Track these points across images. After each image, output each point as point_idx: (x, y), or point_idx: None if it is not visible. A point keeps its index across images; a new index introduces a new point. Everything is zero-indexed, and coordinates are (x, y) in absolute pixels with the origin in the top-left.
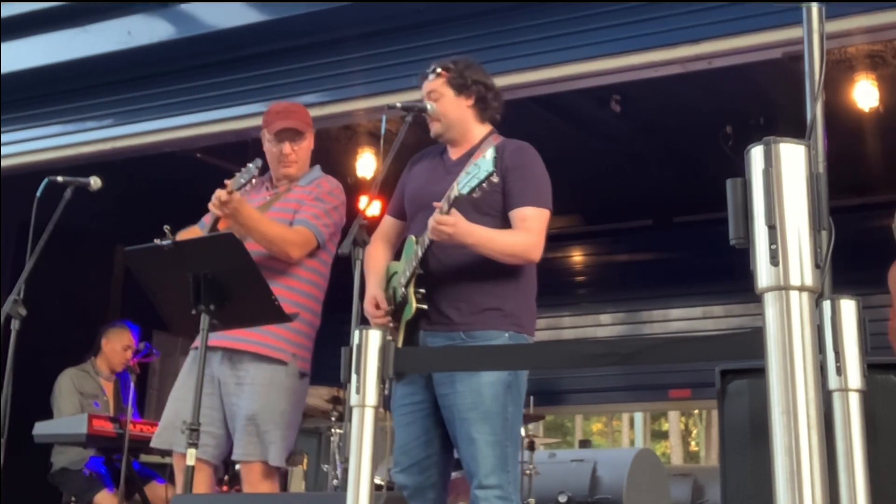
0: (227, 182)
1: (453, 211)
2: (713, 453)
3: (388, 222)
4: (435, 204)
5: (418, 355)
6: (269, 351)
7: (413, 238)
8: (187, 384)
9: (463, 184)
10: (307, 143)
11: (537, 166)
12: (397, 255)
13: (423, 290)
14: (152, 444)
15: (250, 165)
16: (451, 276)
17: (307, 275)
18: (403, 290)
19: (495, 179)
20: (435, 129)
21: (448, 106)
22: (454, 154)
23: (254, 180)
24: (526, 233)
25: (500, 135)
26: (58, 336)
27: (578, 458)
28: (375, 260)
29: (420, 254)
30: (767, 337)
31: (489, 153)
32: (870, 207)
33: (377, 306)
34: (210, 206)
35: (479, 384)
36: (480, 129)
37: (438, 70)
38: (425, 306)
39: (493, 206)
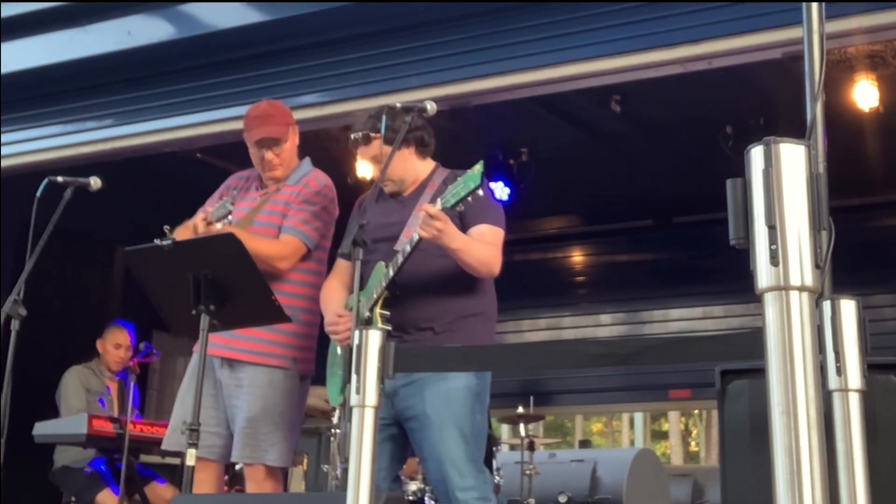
0: (207, 210)
1: (444, 214)
2: (713, 453)
3: (342, 264)
4: (424, 206)
5: (417, 356)
6: (269, 359)
7: (382, 264)
8: (192, 386)
9: (448, 197)
10: (289, 144)
11: (489, 190)
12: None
13: (387, 312)
14: (163, 447)
15: (226, 201)
16: (419, 297)
17: (302, 277)
18: (368, 313)
19: (481, 193)
20: (389, 187)
21: (393, 164)
22: (406, 191)
23: (230, 217)
24: (490, 246)
25: (503, 135)
26: (58, 336)
27: (578, 458)
28: (333, 293)
29: (392, 273)
30: (767, 337)
31: (477, 167)
32: (870, 207)
33: (340, 315)
34: (191, 230)
35: (448, 389)
36: (425, 167)
37: (370, 134)
38: (389, 328)
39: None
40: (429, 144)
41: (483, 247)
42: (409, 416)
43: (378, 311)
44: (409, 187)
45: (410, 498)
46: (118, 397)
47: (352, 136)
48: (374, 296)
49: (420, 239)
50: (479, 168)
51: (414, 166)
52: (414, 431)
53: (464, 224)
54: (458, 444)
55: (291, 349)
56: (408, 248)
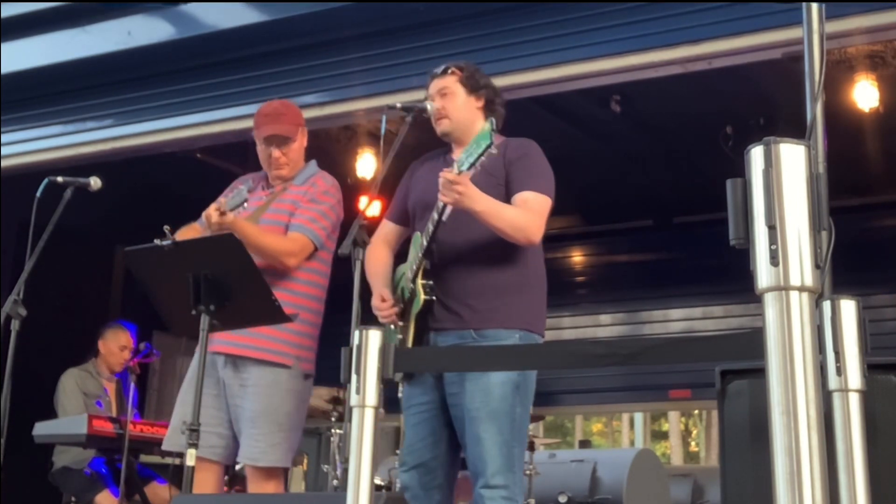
0: (221, 200)
1: (464, 177)
2: (713, 453)
3: (388, 227)
4: (442, 172)
5: (419, 355)
6: (273, 356)
7: (418, 233)
8: (193, 386)
9: (463, 160)
10: (297, 144)
11: (540, 157)
12: (400, 260)
13: (430, 282)
14: (163, 447)
15: (242, 188)
16: (458, 270)
17: (306, 276)
18: (411, 284)
19: (494, 151)
20: (443, 126)
21: (459, 104)
22: (456, 155)
23: (246, 204)
24: (530, 212)
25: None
26: (58, 336)
27: (578, 458)
28: (377, 262)
29: (425, 242)
30: (767, 337)
31: (486, 126)
32: (870, 207)
33: (383, 300)
34: (204, 219)
35: (489, 383)
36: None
37: (451, 69)
38: (434, 297)
39: (497, 197)
40: (496, 110)
41: (516, 211)
42: (451, 402)
43: (420, 281)
44: (461, 148)
45: None
46: (116, 398)
47: (438, 68)
48: (414, 266)
49: (444, 206)
50: (487, 126)
51: (475, 119)
52: (455, 419)
53: (508, 191)
54: (494, 443)
55: (296, 348)
56: (435, 216)
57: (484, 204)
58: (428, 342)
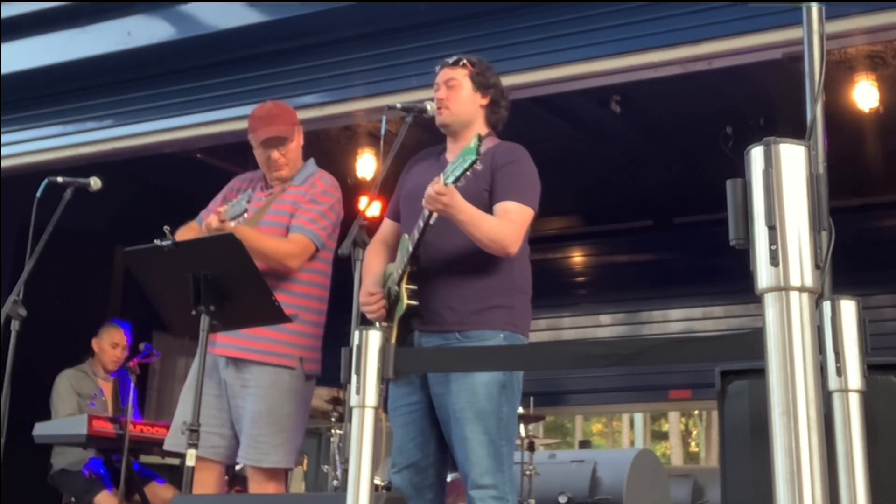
0: (220, 210)
1: (450, 187)
2: (713, 454)
3: (387, 225)
4: (431, 184)
5: (418, 356)
6: (277, 359)
7: (406, 236)
8: (194, 387)
9: (449, 173)
10: (295, 144)
11: (527, 166)
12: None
13: (413, 287)
14: (165, 447)
15: (241, 198)
16: (443, 274)
17: (307, 276)
18: (396, 287)
19: (479, 167)
20: (443, 116)
21: (463, 98)
22: (451, 154)
23: (246, 214)
24: (509, 223)
25: (499, 136)
26: (58, 337)
27: (578, 458)
28: (372, 262)
29: (411, 248)
30: (767, 337)
31: (473, 140)
32: (870, 208)
33: (371, 294)
34: (205, 228)
35: (474, 383)
36: (482, 131)
37: (463, 61)
38: (415, 303)
39: (480, 203)
40: (499, 113)
41: (495, 222)
42: (438, 403)
43: (405, 286)
44: (457, 146)
45: None
46: (112, 398)
47: (450, 59)
48: (400, 270)
49: (430, 214)
50: (474, 142)
51: (476, 116)
52: (441, 421)
53: (491, 199)
54: (480, 444)
55: (298, 349)
56: (421, 224)
57: (466, 213)
58: (412, 343)
